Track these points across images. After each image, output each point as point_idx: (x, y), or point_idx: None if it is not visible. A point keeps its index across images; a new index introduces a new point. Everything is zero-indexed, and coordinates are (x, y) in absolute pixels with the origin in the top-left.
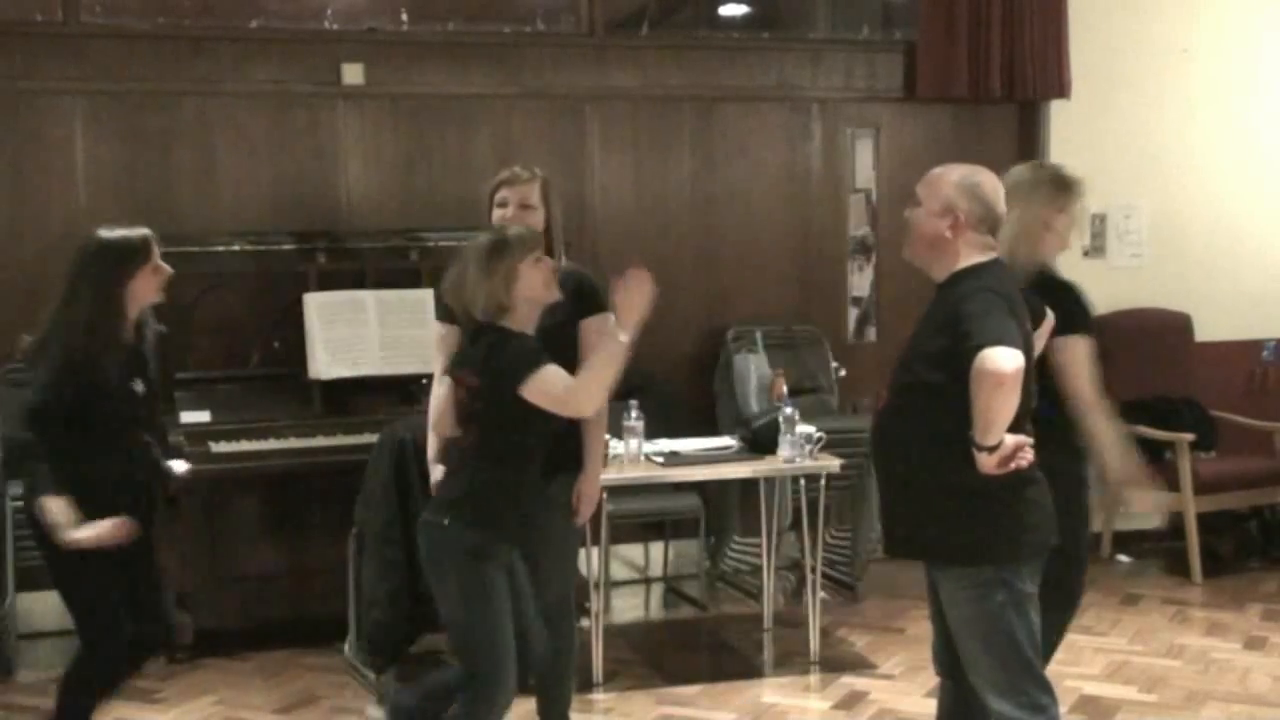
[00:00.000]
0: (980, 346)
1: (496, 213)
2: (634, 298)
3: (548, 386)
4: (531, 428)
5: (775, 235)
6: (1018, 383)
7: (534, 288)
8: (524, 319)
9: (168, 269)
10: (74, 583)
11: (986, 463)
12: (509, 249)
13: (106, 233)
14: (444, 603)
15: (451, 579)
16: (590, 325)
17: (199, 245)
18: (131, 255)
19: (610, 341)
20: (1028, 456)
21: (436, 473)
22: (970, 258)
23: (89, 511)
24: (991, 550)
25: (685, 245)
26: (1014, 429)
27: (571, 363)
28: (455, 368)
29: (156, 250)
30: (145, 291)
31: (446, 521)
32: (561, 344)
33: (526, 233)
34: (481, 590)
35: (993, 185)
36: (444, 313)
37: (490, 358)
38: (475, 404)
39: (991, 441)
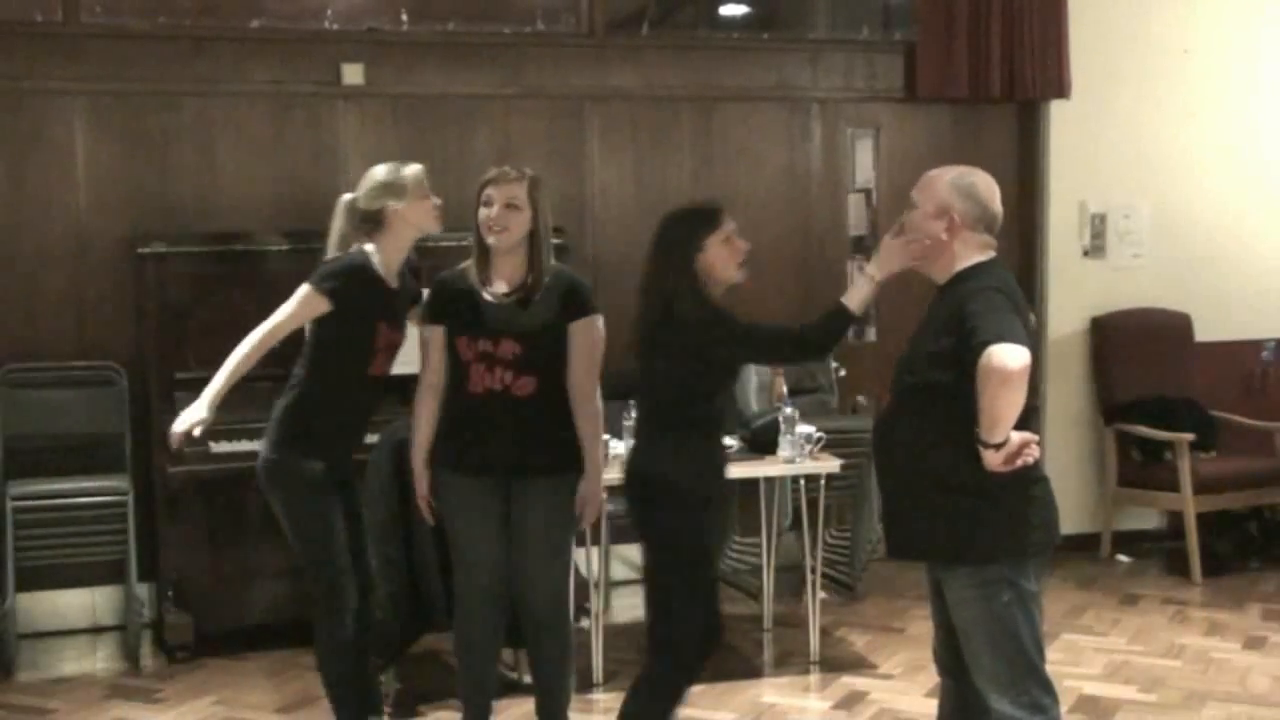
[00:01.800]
0: (986, 344)
1: (481, 211)
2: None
3: None
4: None
5: (775, 235)
6: (1024, 379)
7: None
8: None
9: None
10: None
11: (993, 460)
12: None
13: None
14: None
15: None
16: (578, 328)
17: (199, 245)
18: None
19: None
20: (1034, 453)
21: (422, 484)
22: (969, 258)
23: None
24: (998, 549)
25: None
26: (1021, 426)
27: (559, 365)
28: None
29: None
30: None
31: None
32: (549, 346)
33: None
34: None
35: (987, 184)
36: (430, 315)
37: None
38: None
39: (998, 439)
